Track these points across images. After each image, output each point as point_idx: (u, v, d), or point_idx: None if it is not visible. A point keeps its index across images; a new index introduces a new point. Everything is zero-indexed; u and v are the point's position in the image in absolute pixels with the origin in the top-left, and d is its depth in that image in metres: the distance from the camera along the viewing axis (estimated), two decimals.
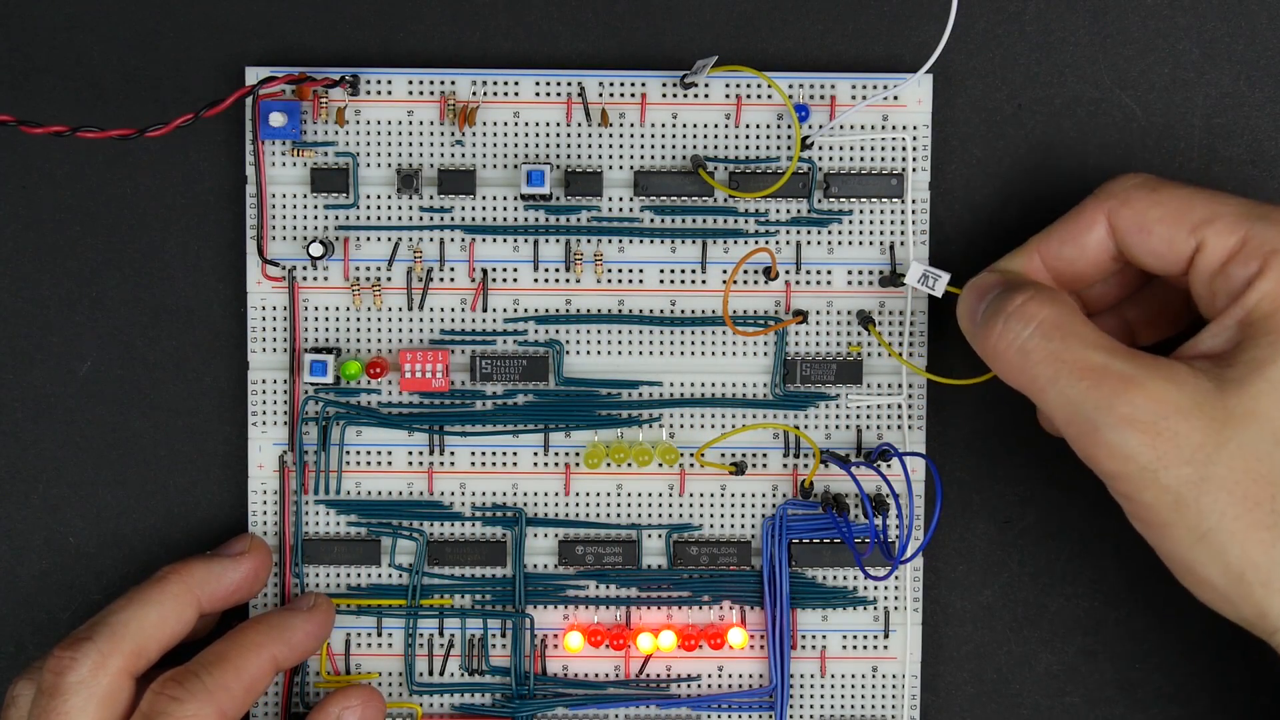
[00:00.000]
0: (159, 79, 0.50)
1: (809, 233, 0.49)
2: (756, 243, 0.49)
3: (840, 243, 0.49)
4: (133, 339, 0.50)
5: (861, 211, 0.49)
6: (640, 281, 0.49)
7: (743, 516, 0.50)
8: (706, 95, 0.49)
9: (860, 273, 0.49)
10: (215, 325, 0.50)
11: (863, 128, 0.49)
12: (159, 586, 0.46)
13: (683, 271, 0.49)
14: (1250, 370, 0.41)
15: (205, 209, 0.50)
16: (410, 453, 0.50)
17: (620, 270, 0.49)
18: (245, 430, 0.50)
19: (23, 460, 0.50)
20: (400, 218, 0.49)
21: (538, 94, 0.49)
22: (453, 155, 0.49)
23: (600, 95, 0.49)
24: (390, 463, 0.50)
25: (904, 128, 0.49)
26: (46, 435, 0.50)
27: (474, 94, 0.49)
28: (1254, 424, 0.40)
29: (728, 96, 0.49)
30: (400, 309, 0.49)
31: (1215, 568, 0.40)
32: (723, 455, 0.50)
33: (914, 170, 0.49)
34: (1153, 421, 0.40)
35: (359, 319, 0.49)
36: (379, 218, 0.49)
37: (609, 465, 0.50)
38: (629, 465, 0.50)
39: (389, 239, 0.49)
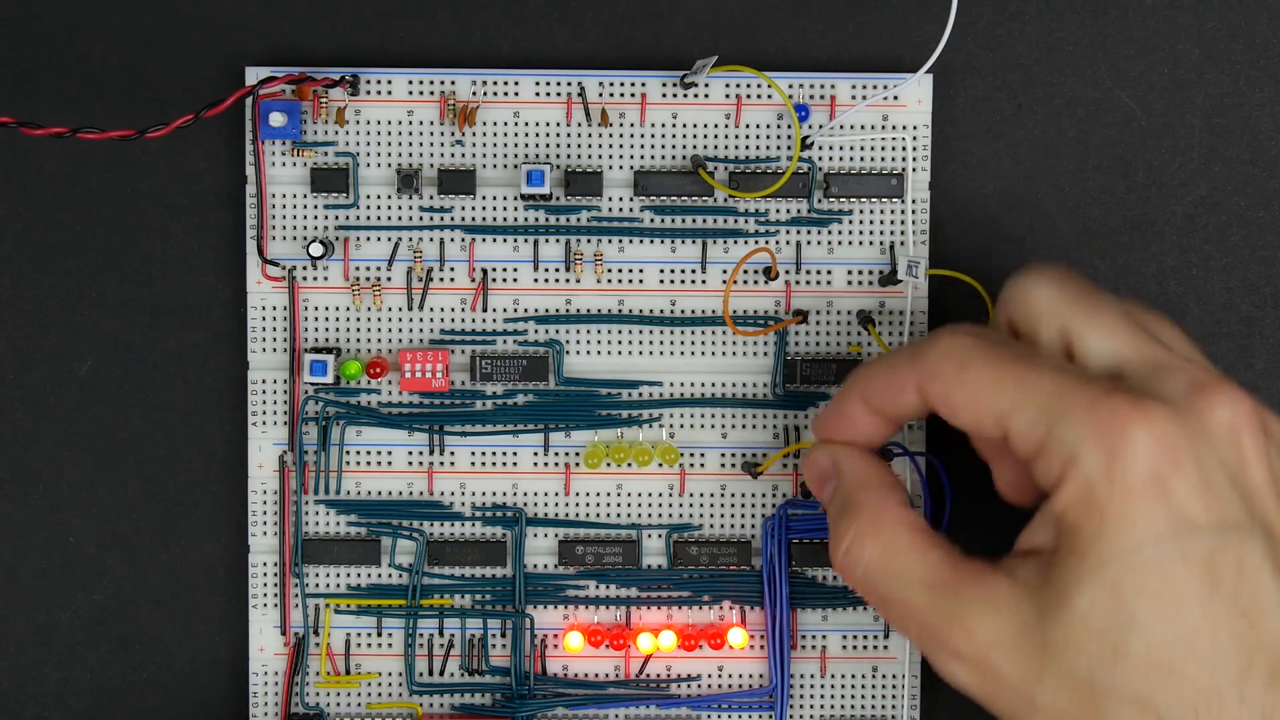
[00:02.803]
0: (159, 79, 0.50)
1: (809, 233, 0.49)
2: (756, 243, 0.49)
3: (840, 243, 0.49)
4: (133, 339, 0.50)
5: (861, 211, 0.49)
6: (640, 281, 0.49)
7: (743, 516, 0.50)
8: (706, 95, 0.49)
9: (860, 273, 0.49)
10: (215, 325, 0.50)
11: (863, 128, 0.49)
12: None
13: (683, 271, 0.49)
14: (1060, 596, 0.39)
15: (205, 209, 0.50)
16: (410, 453, 0.50)
17: (620, 270, 0.49)
18: (245, 430, 0.50)
19: (23, 460, 0.50)
20: (400, 218, 0.49)
21: (538, 94, 0.49)
22: (453, 155, 0.49)
23: (600, 95, 0.49)
24: (390, 463, 0.50)
25: (904, 127, 0.49)
26: (46, 435, 0.50)
27: (474, 94, 0.49)
28: (1070, 656, 0.39)
29: (728, 96, 0.49)
30: (400, 309, 0.49)
31: None
32: (723, 456, 0.50)
33: (914, 170, 0.49)
34: (976, 659, 0.40)
35: (359, 319, 0.49)
36: (379, 218, 0.49)
37: (609, 465, 0.50)
38: (629, 465, 0.50)
39: (389, 239, 0.49)
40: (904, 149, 0.49)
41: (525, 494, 0.50)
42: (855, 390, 0.45)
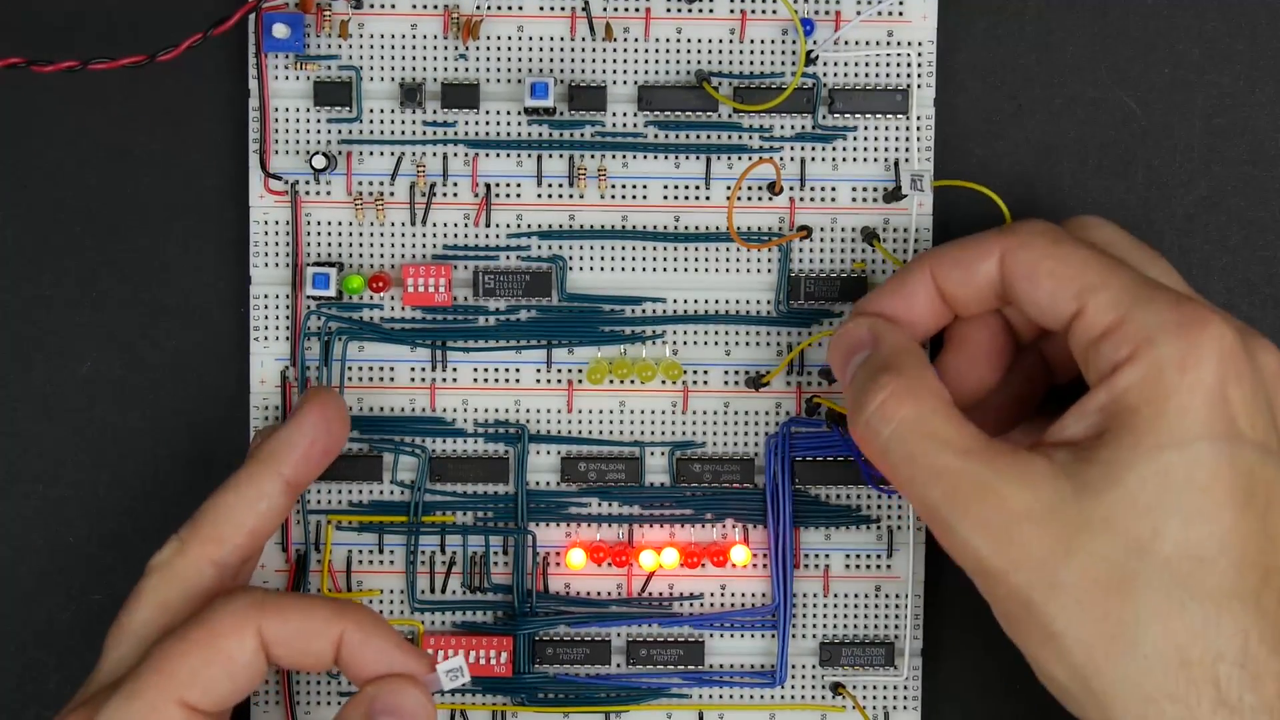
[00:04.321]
0: (164, 15, 0.49)
1: (813, 149, 0.49)
2: (761, 159, 0.49)
3: (845, 159, 0.49)
4: (133, 339, 0.50)
5: (866, 128, 0.49)
6: (644, 197, 0.49)
7: (746, 434, 0.50)
8: (711, 10, 0.49)
9: (865, 189, 0.49)
10: (215, 325, 0.50)
11: (867, 43, 0.49)
12: (237, 471, 0.45)
13: (686, 187, 0.49)
14: (1107, 475, 0.39)
15: (206, 208, 0.50)
16: (413, 368, 0.49)
17: (624, 186, 0.49)
18: (246, 430, 0.49)
19: (23, 460, 0.50)
20: (403, 132, 0.49)
21: (541, 7, 0.49)
22: (456, 69, 0.49)
23: (604, 9, 0.49)
24: (393, 378, 0.49)
25: (909, 43, 0.49)
26: (46, 435, 0.50)
27: (477, 7, 0.49)
28: (1105, 534, 0.39)
29: (732, 11, 0.49)
30: (403, 224, 0.49)
31: (1061, 669, 0.40)
32: (726, 373, 0.50)
33: (919, 86, 0.49)
34: (1003, 528, 0.40)
35: (362, 234, 0.49)
36: (382, 132, 0.49)
37: (612, 382, 0.49)
38: (632, 382, 0.49)
39: (392, 153, 0.49)
40: (909, 65, 0.49)
41: (528, 410, 0.50)
42: (924, 263, 0.45)
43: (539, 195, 0.49)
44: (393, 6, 0.49)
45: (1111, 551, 0.39)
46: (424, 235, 0.49)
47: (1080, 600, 0.39)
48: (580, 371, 0.50)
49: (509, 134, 0.49)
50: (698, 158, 0.49)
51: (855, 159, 0.49)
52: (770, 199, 0.49)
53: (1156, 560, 0.39)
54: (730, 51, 0.49)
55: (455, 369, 0.49)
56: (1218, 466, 0.39)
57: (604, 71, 0.49)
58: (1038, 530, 0.40)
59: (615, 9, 0.49)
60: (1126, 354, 0.40)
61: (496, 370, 0.49)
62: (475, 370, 0.49)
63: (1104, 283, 0.41)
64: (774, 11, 0.49)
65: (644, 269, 0.49)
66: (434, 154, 0.49)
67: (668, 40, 0.49)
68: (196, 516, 0.44)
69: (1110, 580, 0.39)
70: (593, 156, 0.49)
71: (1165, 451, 0.39)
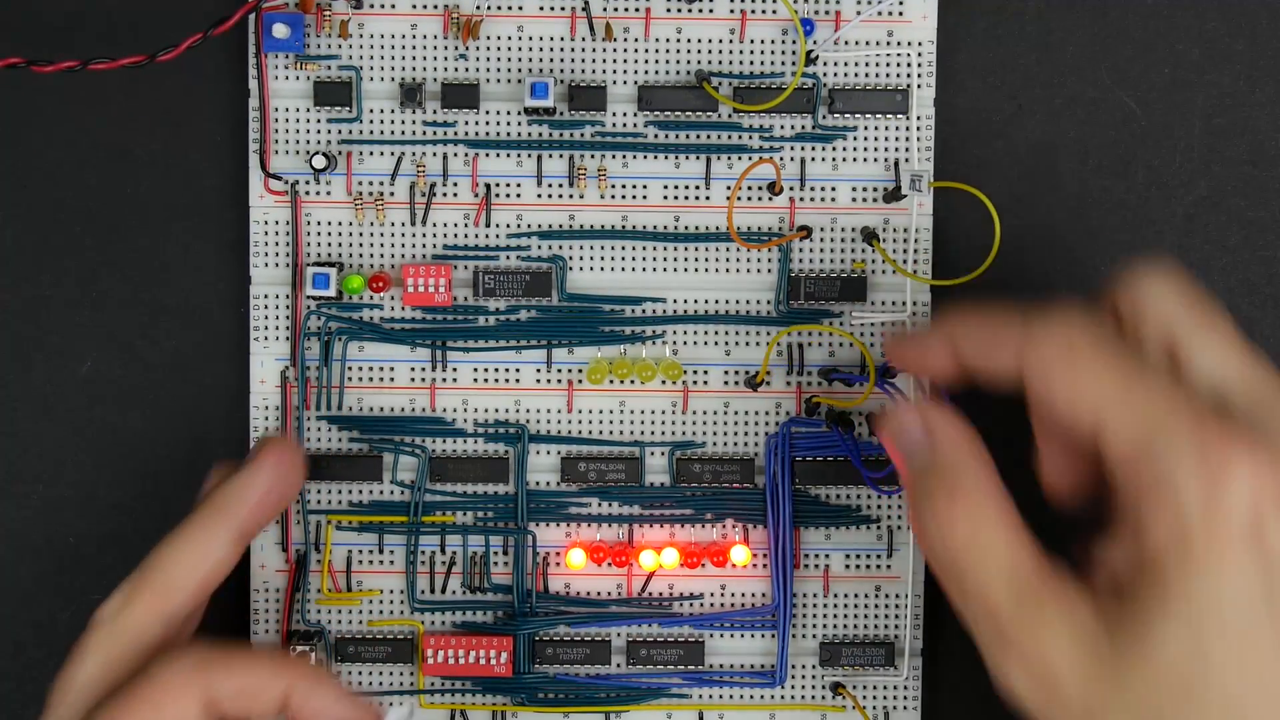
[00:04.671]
0: (164, 15, 0.49)
1: (813, 149, 0.49)
2: (761, 158, 0.49)
3: (845, 159, 0.49)
4: (133, 339, 0.50)
5: (866, 128, 0.49)
6: (644, 197, 0.49)
7: (746, 434, 0.50)
8: (711, 10, 0.49)
9: (865, 189, 0.49)
10: (215, 325, 0.50)
11: (868, 43, 0.49)
12: (188, 520, 0.44)
13: (686, 187, 0.49)
14: (1138, 630, 0.37)
15: (206, 208, 0.50)
16: (413, 369, 0.49)
17: (624, 186, 0.49)
18: (246, 430, 0.50)
19: (23, 460, 0.50)
20: (403, 131, 0.49)
21: (541, 7, 0.49)
22: (456, 69, 0.49)
23: (604, 9, 0.49)
24: (393, 379, 0.49)
25: (909, 43, 0.49)
26: (46, 435, 0.50)
27: (477, 7, 0.49)
28: (1138, 691, 0.37)
29: (732, 11, 0.49)
30: (403, 224, 0.49)
31: None
32: (726, 373, 0.50)
33: (919, 86, 0.49)
34: (1044, 674, 0.38)
35: (362, 234, 0.49)
36: (382, 131, 0.49)
37: (612, 382, 0.49)
38: (632, 382, 0.49)
39: (392, 153, 0.49)
40: (909, 65, 0.49)
41: (528, 410, 0.50)
42: (947, 335, 0.43)
43: (539, 195, 0.49)
44: (393, 6, 0.49)
45: (1146, 707, 0.37)
46: (424, 235, 0.49)
47: None
48: (580, 371, 0.49)
49: (509, 134, 0.49)
50: (698, 158, 0.49)
51: (855, 159, 0.49)
52: (770, 199, 0.49)
53: (1193, 716, 0.37)
54: (730, 51, 0.49)
55: (455, 369, 0.49)
56: (1252, 614, 0.36)
57: (604, 71, 0.49)
58: (1076, 679, 0.38)
59: (615, 9, 0.49)
60: (1149, 497, 0.37)
61: (496, 370, 0.49)
62: (475, 370, 0.49)
63: (1122, 405, 0.38)
64: (774, 11, 0.49)
65: (644, 269, 0.49)
66: (434, 154, 0.49)
67: (668, 40, 0.49)
68: (144, 567, 0.43)
69: None
70: (593, 156, 0.49)
71: (1194, 607, 0.36)
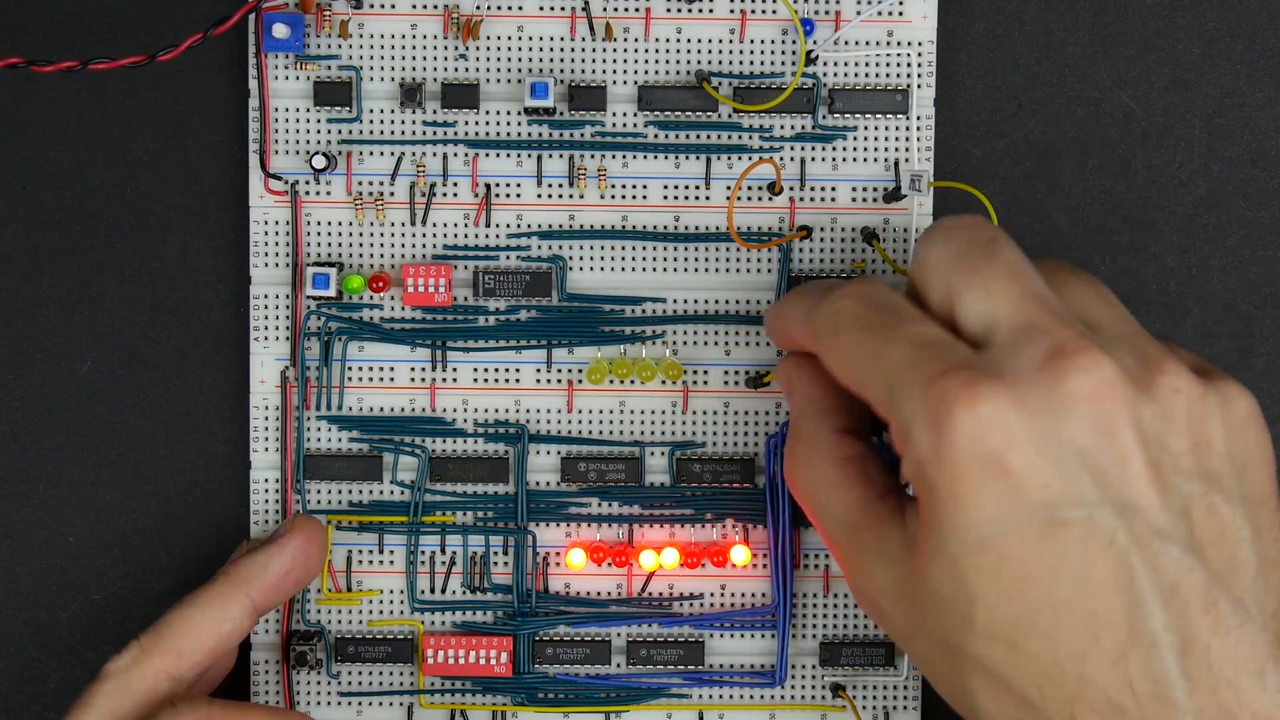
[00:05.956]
0: (164, 15, 0.49)
1: (813, 149, 0.49)
2: (761, 158, 0.49)
3: (845, 159, 0.49)
4: (133, 339, 0.50)
5: (866, 128, 0.49)
6: (644, 197, 0.49)
7: (746, 434, 0.50)
8: (711, 10, 0.49)
9: (865, 189, 0.49)
10: (215, 325, 0.50)
11: (868, 43, 0.49)
12: (208, 586, 0.46)
13: (686, 188, 0.49)
14: (918, 566, 0.39)
15: (206, 208, 0.50)
16: (413, 369, 0.49)
17: (624, 186, 0.49)
18: (246, 430, 0.50)
19: (23, 460, 0.50)
20: (403, 132, 0.49)
21: (541, 7, 0.49)
22: (456, 69, 0.49)
23: (604, 9, 0.49)
24: (393, 379, 0.49)
25: (909, 43, 0.49)
26: (46, 435, 0.50)
27: (477, 7, 0.49)
28: (930, 619, 0.39)
29: (732, 11, 0.49)
30: (403, 224, 0.49)
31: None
32: (726, 373, 0.50)
33: (919, 86, 0.49)
34: (874, 603, 0.42)
35: (362, 234, 0.49)
36: (382, 132, 0.49)
37: (612, 382, 0.49)
38: (632, 382, 0.50)
39: (392, 153, 0.49)
40: (909, 65, 0.49)
41: (528, 410, 0.50)
42: (778, 313, 0.45)
43: (539, 195, 0.49)
44: (393, 6, 0.49)
45: (938, 634, 0.39)
46: (424, 235, 0.49)
47: (933, 674, 0.41)
48: (580, 371, 0.50)
49: (509, 134, 0.49)
50: (698, 158, 0.49)
51: (855, 159, 0.49)
52: (770, 199, 0.49)
53: (974, 645, 0.38)
54: (730, 51, 0.49)
55: (455, 369, 0.49)
56: (1004, 545, 0.37)
57: (604, 71, 0.49)
58: (893, 607, 0.41)
59: (615, 9, 0.49)
60: (900, 447, 0.39)
61: (496, 370, 0.49)
62: (475, 370, 0.49)
63: (871, 374, 0.40)
64: (774, 11, 0.49)
65: (644, 269, 0.49)
66: (434, 154, 0.49)
67: (668, 40, 0.49)
68: (160, 626, 0.45)
69: (947, 660, 0.39)
70: (593, 156, 0.49)
71: (949, 543, 0.38)
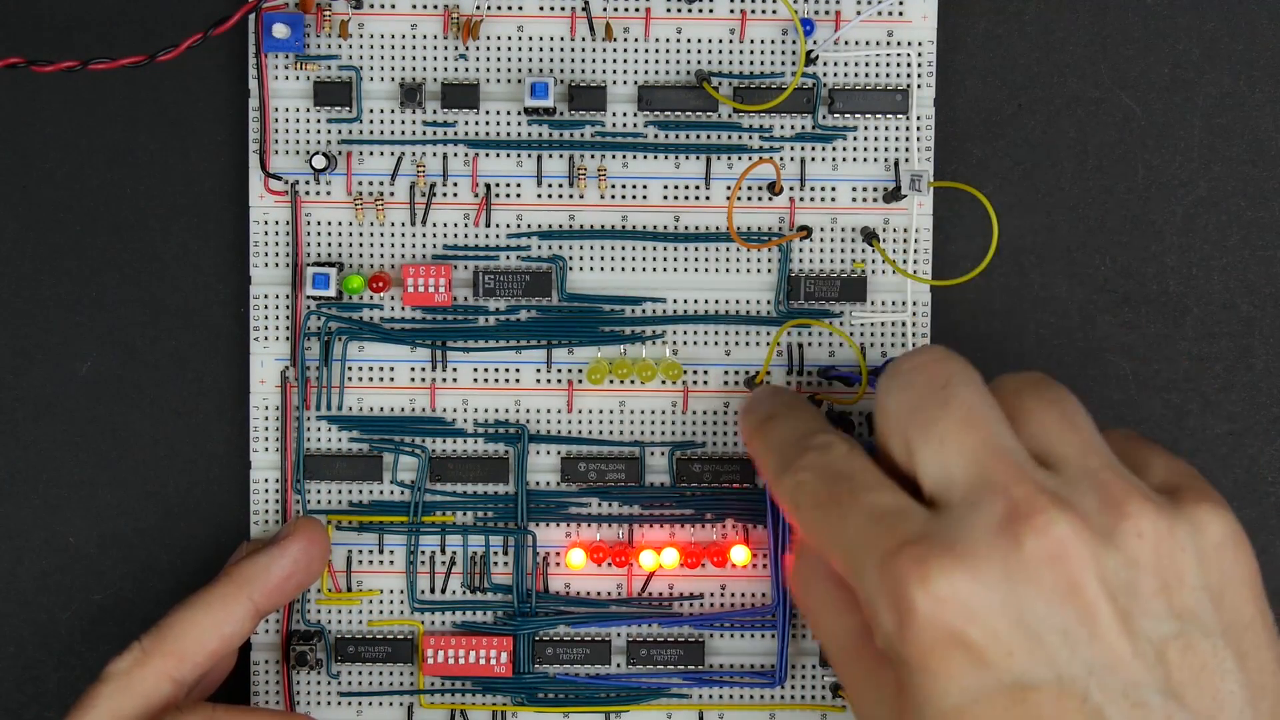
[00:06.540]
0: (164, 15, 0.49)
1: (813, 149, 0.49)
2: (761, 158, 0.49)
3: (845, 159, 0.49)
4: (133, 339, 0.50)
5: (866, 128, 0.49)
6: (644, 197, 0.49)
7: None
8: (711, 10, 0.49)
9: (865, 189, 0.49)
10: (215, 325, 0.50)
11: (868, 43, 0.49)
12: (209, 588, 0.46)
13: (686, 188, 0.49)
14: (907, 717, 0.39)
15: (206, 208, 0.50)
16: (413, 369, 0.49)
17: (624, 186, 0.49)
18: (246, 430, 0.50)
19: (23, 460, 0.50)
20: (403, 132, 0.49)
21: (541, 7, 0.49)
22: (456, 69, 0.49)
23: (604, 9, 0.49)
24: (393, 379, 0.49)
25: (909, 43, 0.49)
26: (46, 435, 0.50)
27: (477, 7, 0.49)
28: None
29: (732, 11, 0.49)
30: (403, 224, 0.49)
31: None
32: (726, 373, 0.50)
33: (919, 86, 0.49)
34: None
35: (362, 234, 0.49)
36: (382, 132, 0.49)
37: (612, 382, 0.49)
38: (632, 382, 0.50)
39: (392, 153, 0.49)
40: (909, 65, 0.49)
41: (528, 410, 0.50)
42: (753, 450, 0.46)
43: (539, 195, 0.49)
44: (393, 6, 0.49)
45: None
46: (424, 235, 0.49)
47: None
48: (580, 371, 0.50)
49: (509, 134, 0.49)
50: (698, 158, 0.49)
51: (855, 159, 0.49)
52: (770, 199, 0.49)
53: None
54: (730, 51, 0.49)
55: (455, 369, 0.49)
56: (979, 713, 0.37)
57: (604, 71, 0.49)
58: None
59: (615, 9, 0.49)
60: (868, 612, 0.39)
61: (496, 370, 0.49)
62: (475, 370, 0.49)
63: (831, 549, 0.41)
64: (774, 11, 0.49)
65: (644, 269, 0.49)
66: (434, 154, 0.49)
67: (668, 40, 0.49)
68: (161, 627, 0.45)
69: None
70: (593, 156, 0.49)
71: (926, 709, 0.38)
